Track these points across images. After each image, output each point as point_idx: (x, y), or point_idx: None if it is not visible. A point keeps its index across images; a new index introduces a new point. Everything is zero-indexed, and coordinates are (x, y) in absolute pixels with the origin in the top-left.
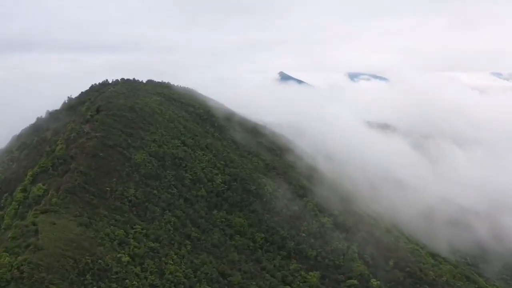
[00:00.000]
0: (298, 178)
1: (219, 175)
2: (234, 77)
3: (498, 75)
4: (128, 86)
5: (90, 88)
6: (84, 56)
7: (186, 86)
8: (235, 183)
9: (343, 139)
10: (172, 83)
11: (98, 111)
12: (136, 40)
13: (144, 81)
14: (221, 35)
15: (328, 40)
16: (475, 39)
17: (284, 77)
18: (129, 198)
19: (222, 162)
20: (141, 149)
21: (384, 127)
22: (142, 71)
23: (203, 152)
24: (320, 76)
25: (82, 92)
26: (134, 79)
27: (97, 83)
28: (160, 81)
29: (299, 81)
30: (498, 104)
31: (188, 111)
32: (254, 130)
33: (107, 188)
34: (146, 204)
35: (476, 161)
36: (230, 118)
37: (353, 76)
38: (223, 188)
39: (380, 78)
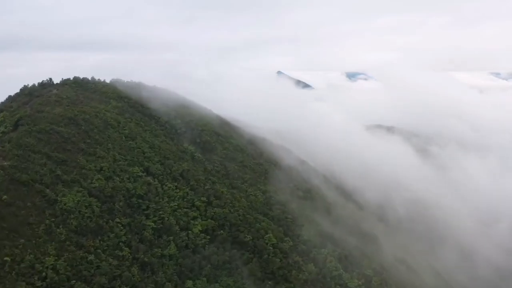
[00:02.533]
0: (312, 218)
1: (199, 220)
2: (231, 76)
3: (497, 74)
4: (79, 88)
5: (20, 90)
6: (79, 54)
7: (167, 88)
8: (221, 231)
9: (346, 147)
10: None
11: (17, 125)
12: (131, 38)
13: (108, 81)
14: (218, 33)
15: (327, 38)
16: (474, 39)
17: (282, 76)
18: (44, 273)
19: (203, 198)
20: (76, 186)
21: (384, 129)
22: (137, 70)
23: (175, 183)
24: (318, 76)
25: (9, 96)
26: (92, 78)
27: (35, 84)
28: (130, 80)
29: (297, 81)
30: (499, 104)
31: (160, 123)
32: (250, 148)
33: (7, 258)
34: (73, 282)
35: (493, 171)
36: (218, 131)
37: (351, 76)
38: (203, 241)
39: (378, 77)
